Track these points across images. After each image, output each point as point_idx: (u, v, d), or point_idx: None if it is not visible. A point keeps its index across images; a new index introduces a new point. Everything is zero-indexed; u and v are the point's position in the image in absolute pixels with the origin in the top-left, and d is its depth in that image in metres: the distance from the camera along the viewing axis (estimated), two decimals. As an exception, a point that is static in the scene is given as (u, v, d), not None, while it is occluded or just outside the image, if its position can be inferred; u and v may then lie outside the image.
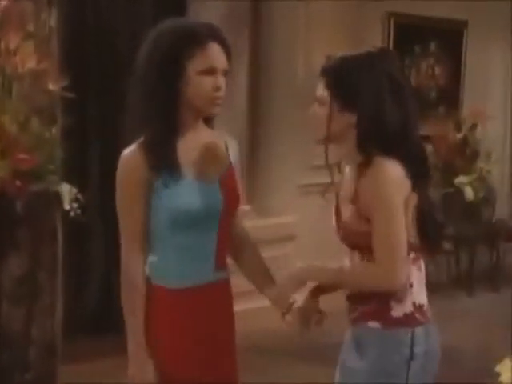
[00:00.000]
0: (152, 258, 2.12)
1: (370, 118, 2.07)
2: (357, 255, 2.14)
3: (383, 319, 2.11)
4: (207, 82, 2.05)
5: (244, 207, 5.23)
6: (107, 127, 4.71)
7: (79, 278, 4.80)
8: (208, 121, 2.18)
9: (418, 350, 2.10)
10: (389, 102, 2.08)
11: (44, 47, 4.04)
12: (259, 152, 5.60)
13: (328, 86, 2.12)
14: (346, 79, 2.10)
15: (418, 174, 2.11)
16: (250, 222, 5.22)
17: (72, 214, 3.94)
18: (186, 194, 2.06)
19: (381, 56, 2.15)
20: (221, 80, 2.07)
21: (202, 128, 2.15)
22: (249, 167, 5.41)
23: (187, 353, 2.10)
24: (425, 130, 6.74)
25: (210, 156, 2.14)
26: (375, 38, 6.28)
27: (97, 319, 4.63)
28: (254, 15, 5.50)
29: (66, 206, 3.94)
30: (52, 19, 4.17)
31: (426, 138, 6.55)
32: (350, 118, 2.11)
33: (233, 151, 2.21)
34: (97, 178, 4.87)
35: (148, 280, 2.11)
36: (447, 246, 6.23)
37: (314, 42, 5.69)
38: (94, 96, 4.75)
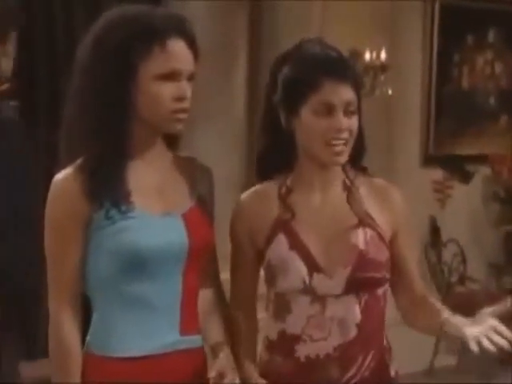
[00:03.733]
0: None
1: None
2: (351, 302, 2.18)
3: (383, 380, 2.24)
4: (167, 89, 2.07)
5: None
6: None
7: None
8: (172, 141, 2.22)
9: None
10: None
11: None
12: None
13: (357, 88, 2.23)
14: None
15: None
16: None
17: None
18: (137, 230, 2.06)
19: None
20: (185, 87, 2.10)
21: (162, 149, 2.19)
22: (247, 186, 5.44)
23: None
24: (481, 147, 6.74)
25: (171, 184, 2.17)
26: (415, 26, 6.37)
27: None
28: (253, 8, 5.61)
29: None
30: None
31: (483, 158, 6.59)
32: None
33: (205, 182, 2.24)
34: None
35: (84, 347, 2.11)
36: (513, 301, 6.23)
37: (332, 34, 5.75)
38: (45, 104, 4.79)
